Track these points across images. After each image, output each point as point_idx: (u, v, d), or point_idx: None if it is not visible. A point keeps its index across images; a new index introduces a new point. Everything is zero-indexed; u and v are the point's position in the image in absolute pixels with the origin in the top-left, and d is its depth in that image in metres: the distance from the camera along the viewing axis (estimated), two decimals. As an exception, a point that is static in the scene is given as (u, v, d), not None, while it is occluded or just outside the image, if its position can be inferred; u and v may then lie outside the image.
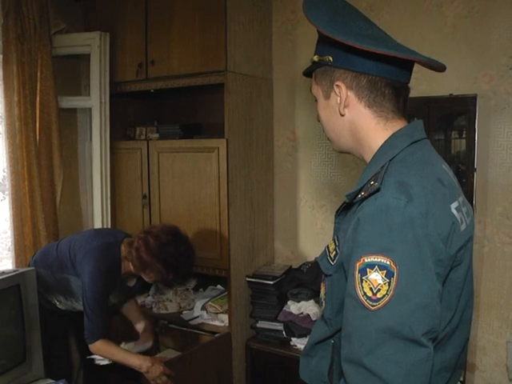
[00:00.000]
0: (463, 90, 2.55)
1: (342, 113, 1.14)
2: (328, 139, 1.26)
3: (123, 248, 2.39)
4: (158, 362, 2.30)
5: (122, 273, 2.42)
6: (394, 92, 1.11)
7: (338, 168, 3.02)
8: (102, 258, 2.30)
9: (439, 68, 1.12)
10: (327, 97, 1.17)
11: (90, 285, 2.25)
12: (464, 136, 2.53)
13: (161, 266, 2.27)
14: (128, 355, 2.32)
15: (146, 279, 2.39)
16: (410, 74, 1.15)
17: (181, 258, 2.30)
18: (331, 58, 1.12)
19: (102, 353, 2.30)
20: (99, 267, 2.27)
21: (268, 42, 3.12)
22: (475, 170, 2.49)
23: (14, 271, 2.24)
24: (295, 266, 3.08)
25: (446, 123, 2.59)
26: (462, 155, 2.54)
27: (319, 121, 1.25)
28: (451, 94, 2.54)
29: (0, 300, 2.13)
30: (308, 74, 1.25)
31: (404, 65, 1.10)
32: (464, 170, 2.50)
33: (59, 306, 2.51)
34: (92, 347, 2.29)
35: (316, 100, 1.23)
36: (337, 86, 1.13)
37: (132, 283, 2.56)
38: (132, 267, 2.36)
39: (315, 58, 1.17)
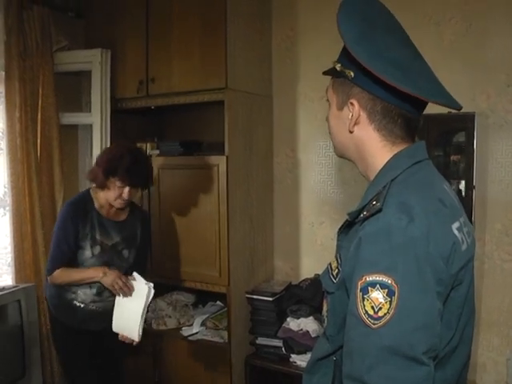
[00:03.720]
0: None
1: (351, 130, 1.14)
2: (331, 141, 1.25)
3: (93, 189, 2.46)
4: (112, 270, 2.37)
5: (97, 207, 2.42)
6: (405, 122, 1.11)
7: (338, 185, 3.03)
8: (69, 202, 2.43)
9: (456, 108, 1.11)
10: (340, 108, 1.17)
11: (57, 222, 2.38)
12: (463, 153, 2.55)
13: (101, 171, 2.33)
14: (83, 271, 2.37)
15: (112, 195, 2.37)
16: (425, 107, 1.14)
17: (115, 160, 2.33)
18: (352, 74, 1.11)
19: (62, 279, 2.35)
20: (65, 207, 2.41)
21: (268, 60, 3.15)
22: (474, 187, 2.50)
23: (15, 287, 2.25)
24: (295, 282, 3.08)
25: (444, 140, 2.61)
26: (460, 172, 2.55)
27: (328, 121, 1.24)
28: (449, 112, 2.55)
29: (0, 315, 2.13)
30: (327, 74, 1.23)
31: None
32: (463, 188, 2.52)
33: (83, 298, 2.43)
34: (51, 279, 2.36)
35: (327, 100, 1.22)
36: (351, 103, 1.13)
37: (122, 217, 2.54)
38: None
39: (337, 67, 1.15)
